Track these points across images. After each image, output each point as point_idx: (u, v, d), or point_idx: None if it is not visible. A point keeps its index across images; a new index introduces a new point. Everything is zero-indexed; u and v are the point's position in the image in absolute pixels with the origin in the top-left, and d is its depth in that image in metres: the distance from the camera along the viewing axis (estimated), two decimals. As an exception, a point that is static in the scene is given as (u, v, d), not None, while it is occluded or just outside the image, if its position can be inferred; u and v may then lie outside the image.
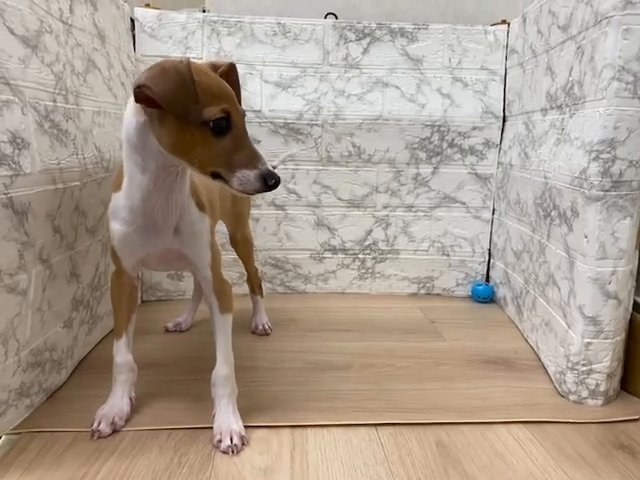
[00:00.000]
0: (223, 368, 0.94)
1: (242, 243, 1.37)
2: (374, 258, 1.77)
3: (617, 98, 0.98)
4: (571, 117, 1.15)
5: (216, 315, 0.95)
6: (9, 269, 0.86)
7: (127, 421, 0.97)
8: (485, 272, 1.78)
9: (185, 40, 1.58)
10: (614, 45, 0.98)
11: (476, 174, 1.72)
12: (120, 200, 0.87)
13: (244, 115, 0.79)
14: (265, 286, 1.72)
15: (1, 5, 0.83)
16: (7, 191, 0.83)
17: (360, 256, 1.76)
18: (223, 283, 0.96)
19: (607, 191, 1.01)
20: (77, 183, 1.08)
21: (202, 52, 1.60)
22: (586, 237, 1.05)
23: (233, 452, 0.88)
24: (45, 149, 0.95)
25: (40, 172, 0.93)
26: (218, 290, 0.95)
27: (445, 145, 1.69)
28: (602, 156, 1.01)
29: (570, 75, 1.16)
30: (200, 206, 0.91)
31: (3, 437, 0.91)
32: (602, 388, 1.07)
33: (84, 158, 1.11)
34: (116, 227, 0.88)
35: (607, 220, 1.02)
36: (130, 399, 0.99)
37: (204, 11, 1.84)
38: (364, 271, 1.77)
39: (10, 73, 0.85)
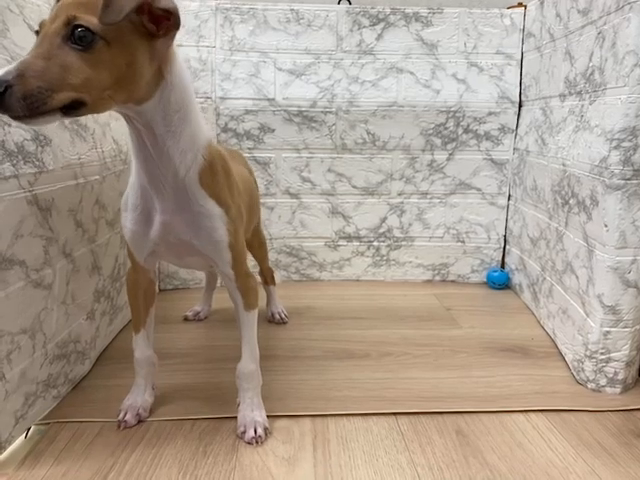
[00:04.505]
0: (249, 363, 0.95)
1: (258, 245, 1.36)
2: (389, 245, 1.77)
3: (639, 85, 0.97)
4: (591, 104, 1.14)
5: (241, 312, 0.94)
6: (35, 265, 0.87)
7: (151, 411, 0.99)
8: (500, 258, 1.77)
9: (198, 29, 1.57)
10: (637, 31, 0.96)
11: (492, 160, 1.70)
12: (128, 186, 0.86)
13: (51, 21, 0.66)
14: (280, 274, 1.74)
15: (20, 2, 0.83)
16: (32, 188, 0.85)
17: (375, 243, 1.77)
18: (248, 278, 0.93)
19: (628, 180, 1.01)
20: (97, 177, 1.09)
21: (215, 41, 1.59)
22: (606, 226, 1.04)
23: (257, 443, 0.90)
24: (66, 145, 0.96)
25: (62, 168, 0.94)
26: (242, 287, 0.92)
27: (460, 131, 1.68)
28: (623, 144, 1.00)
29: (590, 61, 1.15)
30: (219, 201, 0.85)
31: (32, 427, 0.94)
32: (620, 376, 1.08)
33: (103, 152, 1.12)
34: (125, 216, 0.87)
35: (627, 209, 1.02)
36: (152, 389, 1.01)
37: (216, -2, 1.81)
38: (379, 258, 1.78)
39: (31, 70, 0.85)
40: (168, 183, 0.81)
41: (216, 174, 0.85)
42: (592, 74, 1.14)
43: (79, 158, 1.01)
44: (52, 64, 0.62)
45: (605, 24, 1.08)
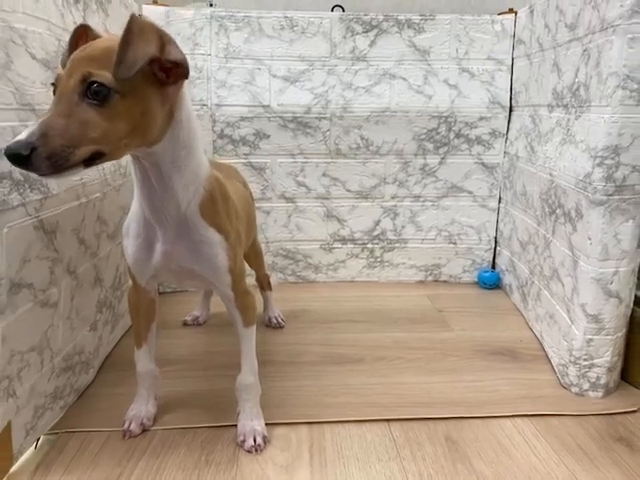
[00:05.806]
0: (248, 376, 0.99)
1: (254, 257, 1.38)
2: (382, 247, 1.81)
3: (622, 106, 1.00)
4: (576, 119, 1.17)
5: (240, 328, 0.97)
6: (42, 286, 0.91)
7: (154, 420, 1.03)
8: (491, 259, 1.82)
9: (193, 37, 1.59)
10: (619, 54, 0.99)
11: (483, 164, 1.74)
12: (130, 214, 0.89)
13: (61, 76, 0.69)
14: (276, 276, 1.78)
15: (22, 32, 0.85)
16: (38, 214, 0.88)
17: (369, 246, 1.81)
18: (246, 297, 0.96)
19: (610, 195, 1.05)
20: (98, 194, 1.12)
21: (211, 48, 1.61)
22: (589, 239, 1.08)
23: (256, 451, 0.95)
24: (68, 167, 0.99)
25: (66, 191, 0.97)
26: (241, 306, 0.95)
27: (452, 135, 1.71)
28: (606, 162, 1.04)
29: (576, 76, 1.18)
30: (219, 229, 0.88)
31: (42, 437, 0.98)
32: (603, 381, 1.13)
33: (103, 169, 1.15)
34: (127, 242, 0.90)
35: (610, 223, 1.06)
36: (155, 399, 1.05)
37: (211, 5, 1.83)
38: (373, 260, 1.82)
39: (35, 99, 0.88)
40: (170, 216, 0.84)
41: (216, 203, 0.88)
42: (578, 89, 1.17)
43: (81, 178, 1.04)
44: (72, 121, 0.65)
45: (590, 42, 1.11)
